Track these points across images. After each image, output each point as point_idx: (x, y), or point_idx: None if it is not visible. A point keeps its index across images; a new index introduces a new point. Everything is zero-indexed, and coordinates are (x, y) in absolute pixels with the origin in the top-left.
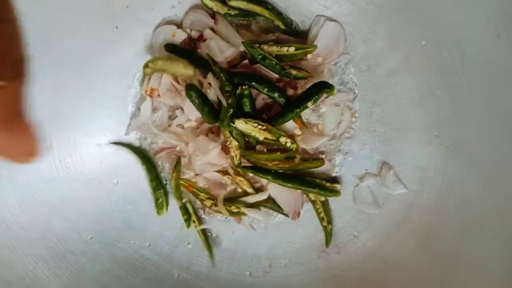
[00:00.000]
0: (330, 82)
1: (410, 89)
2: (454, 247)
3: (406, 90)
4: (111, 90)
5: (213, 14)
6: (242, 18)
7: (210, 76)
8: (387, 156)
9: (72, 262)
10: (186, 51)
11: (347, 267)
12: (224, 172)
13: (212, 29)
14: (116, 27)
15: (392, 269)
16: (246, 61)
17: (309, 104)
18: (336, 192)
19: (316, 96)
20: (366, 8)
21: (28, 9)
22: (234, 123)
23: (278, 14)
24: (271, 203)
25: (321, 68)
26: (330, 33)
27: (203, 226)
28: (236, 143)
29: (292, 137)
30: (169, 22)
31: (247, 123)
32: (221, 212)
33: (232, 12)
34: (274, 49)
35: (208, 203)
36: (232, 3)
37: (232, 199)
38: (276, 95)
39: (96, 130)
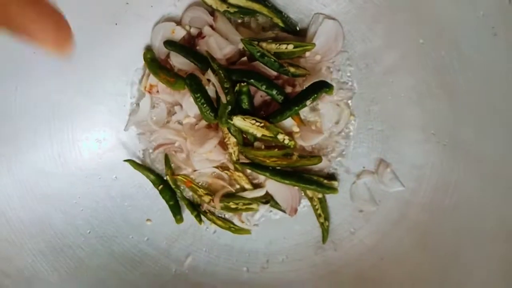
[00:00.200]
0: (328, 79)
1: (407, 87)
2: (451, 245)
3: (404, 88)
4: (110, 86)
5: (212, 12)
6: (241, 16)
7: (209, 73)
8: (385, 154)
9: (70, 256)
10: (185, 48)
11: (344, 263)
12: (223, 167)
13: (211, 26)
14: (116, 24)
15: (389, 266)
16: (245, 58)
17: (308, 102)
18: (333, 189)
19: (315, 95)
20: (365, 7)
21: None
22: (232, 120)
23: (277, 12)
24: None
25: (319, 66)
26: (328, 31)
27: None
28: (234, 140)
29: (290, 134)
30: (168, 19)
31: (245, 120)
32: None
33: (231, 10)
34: (273, 46)
35: (206, 198)
36: (232, 1)
37: (231, 195)
38: (274, 92)
39: (95, 126)
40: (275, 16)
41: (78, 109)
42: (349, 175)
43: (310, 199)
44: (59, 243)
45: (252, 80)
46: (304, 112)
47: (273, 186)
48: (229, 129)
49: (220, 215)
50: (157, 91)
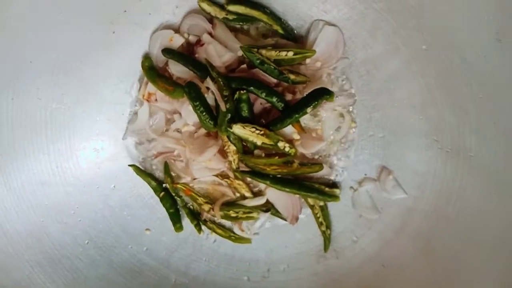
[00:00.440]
0: (329, 86)
1: (409, 94)
2: (454, 253)
3: (406, 94)
4: (108, 95)
5: (211, 19)
6: (241, 23)
7: (208, 80)
8: (387, 161)
9: (68, 267)
10: (184, 55)
11: (346, 272)
12: (223, 176)
13: (210, 33)
14: (113, 32)
15: (391, 275)
16: (244, 65)
17: (308, 110)
18: (335, 197)
19: (316, 102)
20: (365, 13)
21: (25, 15)
22: (231, 128)
23: (277, 18)
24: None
25: (320, 72)
26: (329, 37)
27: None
28: (234, 148)
29: (290, 141)
30: (166, 27)
31: (244, 128)
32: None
33: (230, 17)
34: (273, 53)
35: (206, 207)
36: (230, 8)
37: (231, 204)
38: (274, 99)
39: (93, 134)
40: (274, 23)
41: (75, 118)
42: (351, 182)
43: (312, 207)
44: (57, 254)
45: (251, 88)
46: (305, 120)
47: (273, 194)
48: (228, 137)
49: (220, 224)
50: (156, 100)
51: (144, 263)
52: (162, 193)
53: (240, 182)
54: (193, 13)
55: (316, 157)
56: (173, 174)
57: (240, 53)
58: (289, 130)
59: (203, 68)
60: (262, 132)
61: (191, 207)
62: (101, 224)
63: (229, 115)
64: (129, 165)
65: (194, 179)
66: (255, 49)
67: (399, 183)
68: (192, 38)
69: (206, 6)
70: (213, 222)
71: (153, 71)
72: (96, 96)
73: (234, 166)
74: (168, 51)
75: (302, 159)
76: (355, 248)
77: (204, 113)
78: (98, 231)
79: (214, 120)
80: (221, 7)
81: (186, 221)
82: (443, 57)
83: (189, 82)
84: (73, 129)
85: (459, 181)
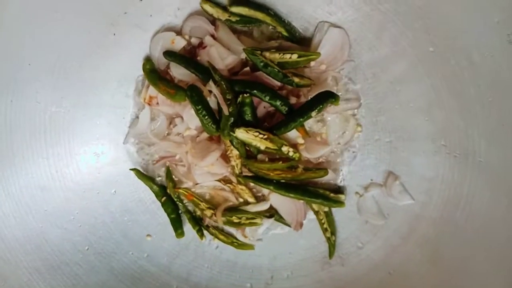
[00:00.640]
0: (334, 90)
1: (416, 97)
2: (462, 260)
3: (413, 98)
4: (109, 98)
5: (213, 21)
6: (244, 25)
7: (210, 84)
8: (393, 165)
9: (67, 274)
10: (186, 58)
11: (351, 279)
12: (225, 180)
13: (212, 35)
14: (114, 34)
15: (398, 282)
16: (248, 68)
17: (313, 114)
18: (340, 203)
19: (321, 106)
20: (371, 14)
21: (24, 17)
22: (234, 132)
23: (281, 20)
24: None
25: (324, 75)
26: (334, 39)
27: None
28: (237, 152)
29: (294, 146)
30: (168, 29)
31: (248, 132)
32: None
33: (233, 19)
34: (276, 56)
35: (208, 213)
36: (233, 9)
37: (233, 209)
38: (278, 103)
39: (94, 138)
40: (278, 25)
41: (75, 122)
42: (357, 187)
43: (316, 213)
44: (56, 260)
45: (255, 91)
46: (309, 123)
47: (277, 199)
48: (231, 141)
49: (222, 230)
50: (157, 103)
51: (145, 269)
52: (164, 198)
53: (243, 187)
54: (195, 14)
55: (321, 161)
56: (175, 179)
57: (243, 55)
58: (293, 134)
59: (205, 71)
60: (265, 136)
61: (193, 212)
62: (101, 230)
63: (232, 119)
64: (130, 169)
65: (196, 184)
66: (259, 52)
67: (406, 189)
68: (194, 40)
69: (208, 8)
70: (216, 228)
71: (154, 74)
72: (96, 99)
73: (237, 171)
74: (169, 54)
75: (306, 164)
76: (360, 254)
77: (206, 117)
78: (98, 237)
79: (216, 124)
80: (224, 8)
81: (187, 227)
82: (450, 59)
83: (191, 85)
84: (73, 133)
85: (468, 186)
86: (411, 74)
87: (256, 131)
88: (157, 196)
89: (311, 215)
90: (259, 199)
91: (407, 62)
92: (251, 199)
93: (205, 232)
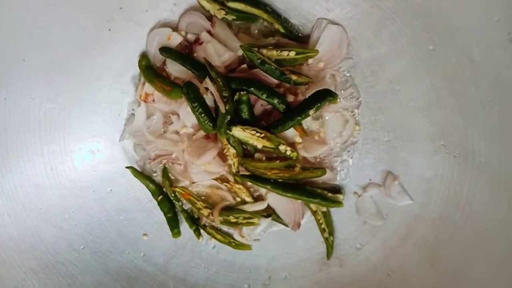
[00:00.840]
0: (332, 88)
1: (416, 96)
2: (462, 262)
3: (412, 97)
4: (105, 95)
5: (210, 17)
6: (240, 22)
7: (207, 81)
8: (392, 165)
9: (63, 273)
10: (182, 55)
11: (349, 280)
12: (222, 179)
13: (209, 32)
14: (109, 30)
15: (396, 284)
16: (245, 65)
17: (311, 112)
18: (338, 203)
19: (319, 104)
20: (370, 11)
21: (18, 12)
22: (231, 131)
23: (278, 17)
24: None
25: (323, 73)
26: (332, 37)
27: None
28: (234, 151)
29: (292, 145)
30: (164, 25)
31: (244, 131)
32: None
33: (230, 17)
34: (274, 53)
35: (205, 212)
36: (230, 5)
37: (230, 208)
38: (275, 101)
39: (89, 136)
40: (275, 22)
41: (70, 119)
42: (355, 187)
43: (314, 213)
44: (51, 259)
45: (252, 89)
46: (307, 122)
47: (275, 199)
48: (228, 140)
49: (220, 229)
50: (153, 100)
51: (141, 269)
52: (160, 196)
53: (240, 187)
54: (191, 10)
55: (319, 161)
56: (172, 178)
57: (240, 52)
58: (290, 133)
59: (202, 68)
60: (262, 135)
61: (190, 212)
62: (97, 228)
63: (229, 117)
64: (126, 167)
65: (193, 182)
66: (256, 49)
67: (404, 189)
68: (191, 37)
69: (205, 3)
70: (213, 227)
71: (150, 71)
72: (91, 96)
73: (234, 170)
74: (166, 50)
75: (304, 163)
76: (359, 255)
77: (202, 115)
78: (94, 236)
79: (213, 122)
80: (221, 4)
81: (184, 226)
82: (450, 58)
83: (187, 82)
84: (68, 130)
85: (467, 187)
86: (411, 72)
87: (253, 130)
88: (153, 194)
89: (309, 215)
90: (257, 198)
91: (407, 60)
92: (248, 199)
93: (202, 231)
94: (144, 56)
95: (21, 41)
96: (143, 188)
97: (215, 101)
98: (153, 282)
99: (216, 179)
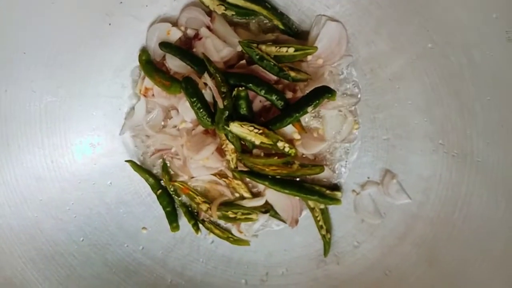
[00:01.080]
0: (331, 85)
1: (415, 94)
2: (459, 261)
3: (411, 95)
4: (105, 89)
5: (209, 12)
6: (240, 18)
7: (205, 76)
8: (390, 164)
9: (62, 264)
10: (181, 50)
11: (346, 278)
12: (221, 175)
13: (208, 27)
14: (110, 24)
15: (394, 282)
16: (243, 61)
17: (309, 109)
18: (336, 200)
19: (317, 101)
20: (370, 9)
21: (19, 6)
22: (229, 126)
23: (277, 13)
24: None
25: (321, 70)
26: (331, 33)
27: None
28: (232, 146)
29: (290, 141)
30: (164, 20)
31: (242, 127)
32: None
33: (229, 13)
34: (273, 49)
35: (204, 207)
36: (230, 0)
37: (229, 204)
38: (274, 97)
39: (90, 129)
40: (275, 18)
41: (70, 112)
42: (353, 185)
43: (312, 210)
44: (51, 250)
45: (250, 85)
46: (306, 119)
47: (273, 195)
48: (226, 135)
49: (218, 224)
50: (153, 95)
51: (139, 262)
52: (160, 190)
53: (239, 182)
54: (191, 5)
55: (317, 158)
56: (171, 172)
57: (239, 48)
58: (289, 129)
59: (201, 63)
60: (260, 131)
61: (189, 206)
62: (97, 221)
63: (227, 112)
64: (126, 161)
65: (192, 177)
66: (255, 45)
67: (403, 188)
68: (190, 32)
69: None
70: (211, 222)
71: (150, 65)
72: (92, 89)
73: (232, 165)
74: (165, 45)
75: (302, 160)
76: (356, 253)
77: (201, 110)
78: (93, 228)
79: (211, 117)
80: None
81: (183, 221)
82: (449, 56)
83: (186, 77)
84: (69, 123)
85: (466, 186)
86: (410, 71)
87: (251, 126)
88: (152, 188)
89: (307, 212)
90: (255, 194)
91: (406, 58)
92: (246, 194)
93: (200, 226)
94: (144, 51)
95: (22, 34)
96: (142, 181)
97: (213, 96)
98: (151, 275)
99: (214, 174)
